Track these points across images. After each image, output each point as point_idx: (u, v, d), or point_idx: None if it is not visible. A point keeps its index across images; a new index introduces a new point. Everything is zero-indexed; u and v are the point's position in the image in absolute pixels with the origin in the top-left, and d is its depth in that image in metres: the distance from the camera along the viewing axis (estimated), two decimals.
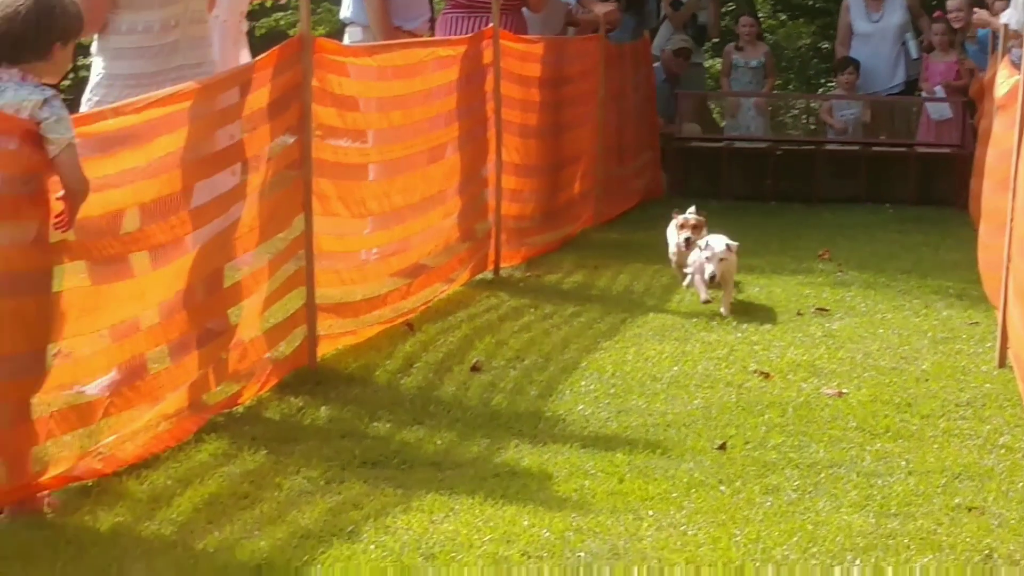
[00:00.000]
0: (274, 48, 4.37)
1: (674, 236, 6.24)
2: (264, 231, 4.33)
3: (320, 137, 4.58)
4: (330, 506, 3.27)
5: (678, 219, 6.20)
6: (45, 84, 3.12)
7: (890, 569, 2.86)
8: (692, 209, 6.38)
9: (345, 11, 6.64)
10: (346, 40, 6.35)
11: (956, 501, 3.34)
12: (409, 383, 4.63)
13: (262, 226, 4.30)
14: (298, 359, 4.51)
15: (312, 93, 4.40)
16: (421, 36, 6.62)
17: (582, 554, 3.00)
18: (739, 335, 5.42)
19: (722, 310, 5.74)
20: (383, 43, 5.82)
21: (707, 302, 5.74)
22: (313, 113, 4.43)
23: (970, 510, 3.28)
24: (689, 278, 6.11)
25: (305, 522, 3.16)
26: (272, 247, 4.56)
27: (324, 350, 4.68)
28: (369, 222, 5.45)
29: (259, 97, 4.18)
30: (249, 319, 4.29)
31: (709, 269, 5.62)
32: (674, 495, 3.45)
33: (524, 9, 7.52)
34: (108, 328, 3.53)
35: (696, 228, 6.01)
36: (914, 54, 10.60)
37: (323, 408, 4.27)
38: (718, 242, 5.74)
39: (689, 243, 5.92)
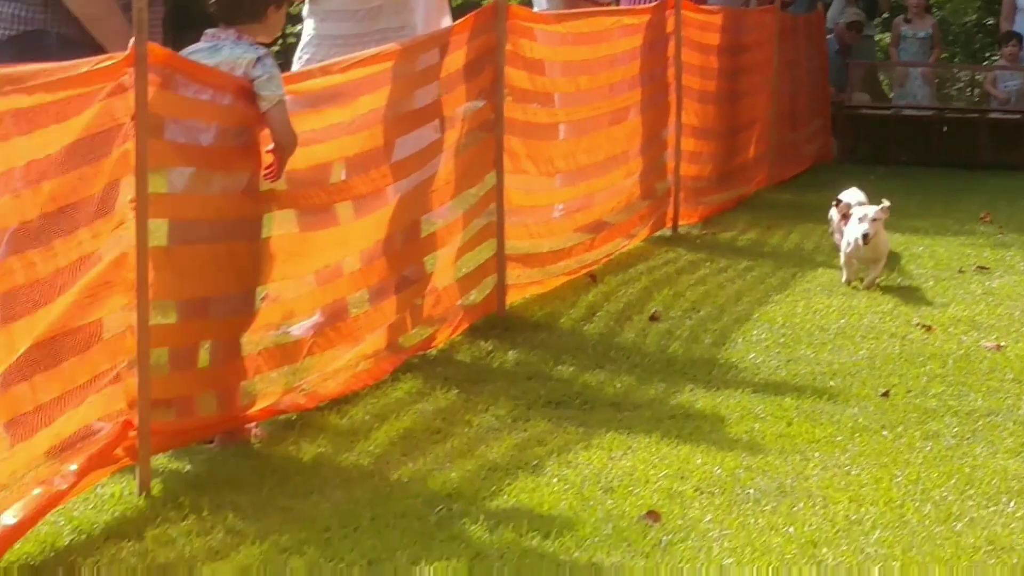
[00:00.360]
0: (471, 14, 4.19)
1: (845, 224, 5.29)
2: (458, 186, 4.17)
3: (512, 99, 4.37)
4: (516, 442, 3.23)
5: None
6: (259, 43, 2.97)
7: None
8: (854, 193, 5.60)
9: None
10: (535, 8, 6.10)
11: None
12: (591, 330, 4.53)
13: (456, 181, 4.14)
14: (488, 306, 4.38)
15: (505, 57, 4.18)
16: (605, 4, 6.34)
17: (751, 490, 2.95)
18: (903, 291, 5.24)
19: (863, 285, 5.07)
20: (572, 11, 5.54)
21: (849, 282, 5.07)
22: (505, 76, 4.20)
23: None
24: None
25: (492, 456, 3.13)
26: (465, 201, 4.40)
27: (512, 298, 4.55)
28: (556, 179, 5.24)
29: (456, 59, 4.00)
30: (443, 268, 4.14)
31: (861, 228, 4.86)
32: (839, 438, 3.41)
33: None
34: (313, 273, 3.41)
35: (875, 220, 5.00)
36: None
37: (511, 352, 4.19)
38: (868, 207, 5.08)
39: (867, 238, 4.90)
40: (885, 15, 12.13)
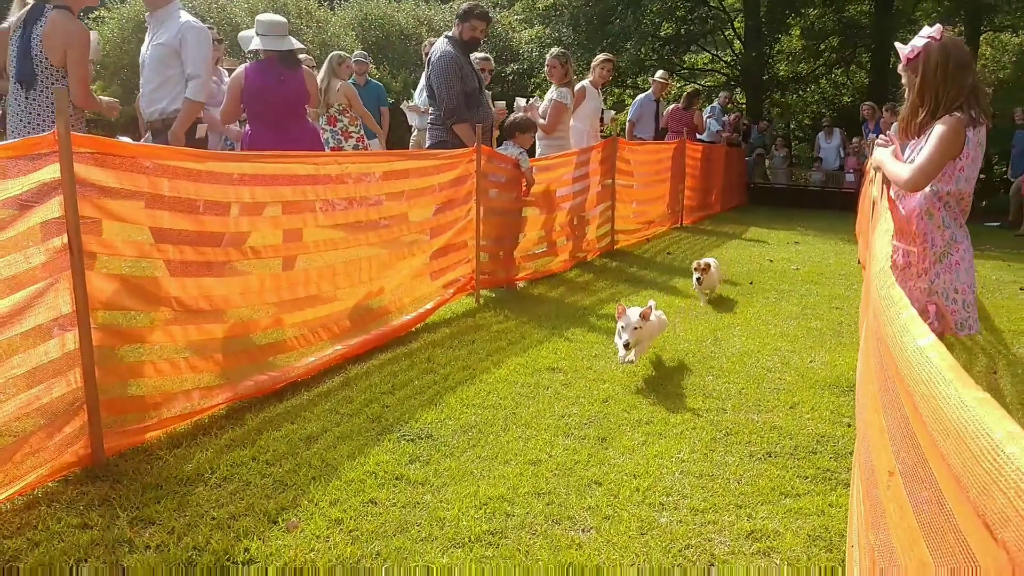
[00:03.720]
0: (601, 142, 8.50)
1: None
2: (600, 199, 8.51)
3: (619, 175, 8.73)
4: None
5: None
6: (518, 145, 7.49)
7: None
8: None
9: None
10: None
11: None
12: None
13: (599, 197, 8.50)
14: (607, 246, 8.54)
15: (617, 162, 8.47)
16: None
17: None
18: (763, 246, 8.36)
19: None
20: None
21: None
22: (617, 165, 8.56)
23: None
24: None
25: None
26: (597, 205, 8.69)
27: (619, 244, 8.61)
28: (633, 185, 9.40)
29: (597, 156, 8.40)
30: (591, 231, 8.45)
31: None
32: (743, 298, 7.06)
33: None
34: (541, 229, 7.85)
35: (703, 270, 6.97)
36: None
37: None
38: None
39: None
40: None
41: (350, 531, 3.11)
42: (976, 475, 1.09)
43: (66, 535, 3.01)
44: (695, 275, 6.88)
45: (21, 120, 4.80)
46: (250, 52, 6.16)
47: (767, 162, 18.76)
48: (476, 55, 8.44)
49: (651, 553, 3.00)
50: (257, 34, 6.04)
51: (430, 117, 7.42)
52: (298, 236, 5.27)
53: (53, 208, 3.33)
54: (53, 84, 4.63)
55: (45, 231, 3.36)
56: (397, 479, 3.53)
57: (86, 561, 2.84)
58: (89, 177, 3.48)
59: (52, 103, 4.52)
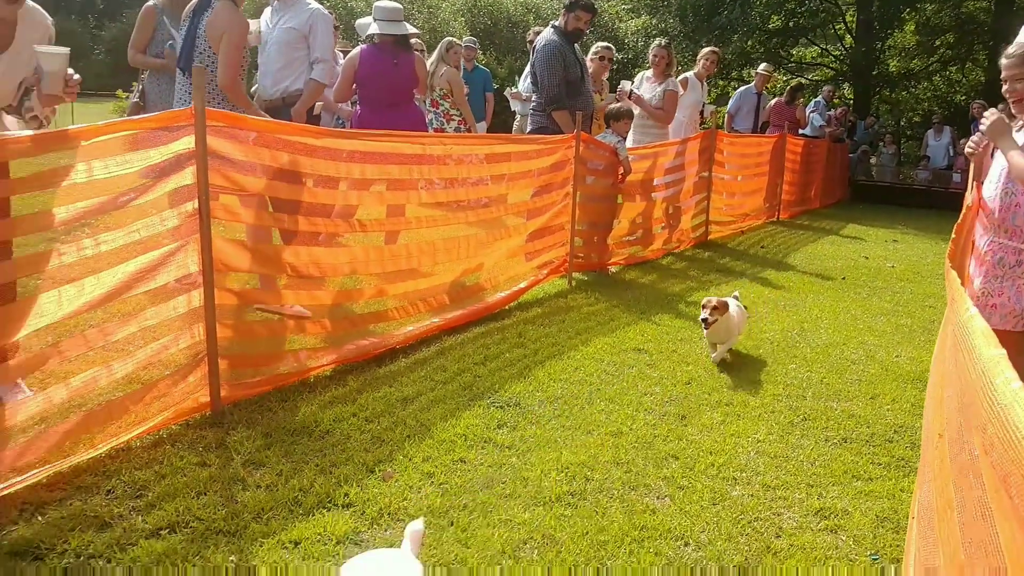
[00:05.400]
0: (700, 133, 8.59)
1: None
2: (696, 190, 8.59)
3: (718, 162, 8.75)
4: None
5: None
6: (616, 132, 7.61)
7: None
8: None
9: None
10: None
11: None
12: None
13: (695, 188, 8.55)
14: (700, 237, 8.60)
15: (713, 153, 8.49)
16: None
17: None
18: (859, 243, 8.18)
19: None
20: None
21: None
22: (715, 154, 8.58)
23: None
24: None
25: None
26: (696, 192, 8.73)
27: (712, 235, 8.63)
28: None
29: (693, 147, 8.45)
30: (685, 222, 8.52)
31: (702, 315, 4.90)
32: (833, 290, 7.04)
33: None
34: (637, 215, 7.97)
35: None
36: None
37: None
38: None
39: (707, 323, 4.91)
40: None
41: (440, 484, 3.34)
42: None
43: (187, 471, 3.32)
44: (702, 313, 4.95)
45: (183, 103, 5.12)
46: (366, 38, 6.44)
47: (872, 159, 18.36)
48: (598, 44, 8.61)
49: (721, 523, 3.14)
50: (374, 19, 6.33)
51: (532, 104, 7.61)
52: (401, 212, 5.54)
53: (186, 176, 3.64)
54: (209, 71, 4.91)
55: (178, 197, 3.67)
56: (485, 442, 3.75)
57: (205, 495, 3.14)
58: (219, 149, 3.78)
59: (208, 88, 4.81)
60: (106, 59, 32.63)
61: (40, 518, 2.93)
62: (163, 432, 3.62)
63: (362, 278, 5.09)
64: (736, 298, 5.22)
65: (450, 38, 10.02)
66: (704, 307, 4.95)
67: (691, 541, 3.01)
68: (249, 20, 5.19)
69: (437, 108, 9.64)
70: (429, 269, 5.41)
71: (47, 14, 3.68)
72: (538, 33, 9.73)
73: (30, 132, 3.34)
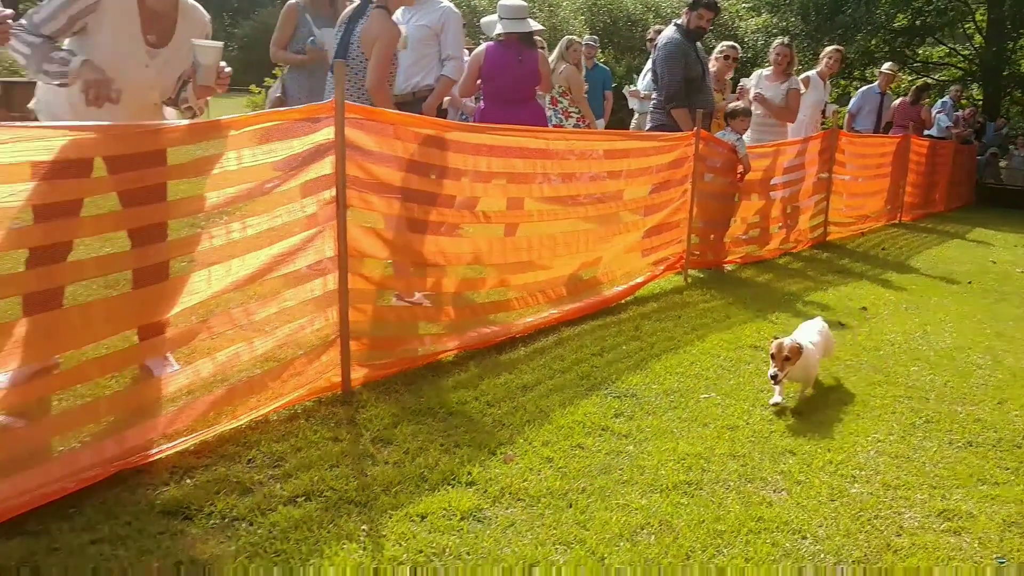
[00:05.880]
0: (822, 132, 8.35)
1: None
2: (816, 189, 8.40)
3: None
4: None
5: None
6: (735, 131, 7.51)
7: None
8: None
9: None
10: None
11: None
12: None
13: (815, 188, 8.35)
14: (818, 238, 8.35)
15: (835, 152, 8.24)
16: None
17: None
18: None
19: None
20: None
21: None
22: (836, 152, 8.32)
23: None
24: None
25: None
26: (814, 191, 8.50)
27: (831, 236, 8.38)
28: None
29: (814, 146, 8.22)
30: (803, 221, 8.31)
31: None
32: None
33: None
34: (754, 214, 7.83)
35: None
36: None
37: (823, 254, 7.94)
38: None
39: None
40: None
41: (559, 468, 3.39)
42: None
43: (321, 445, 3.47)
44: (771, 368, 4.08)
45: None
46: (493, 35, 6.53)
47: (1002, 162, 17.51)
48: (724, 43, 8.51)
49: (839, 519, 3.09)
50: (500, 18, 6.42)
51: (652, 102, 7.58)
52: (520, 205, 5.61)
53: (325, 166, 3.79)
54: (358, 75, 5.05)
55: (316, 185, 3.82)
56: (603, 430, 3.79)
57: (337, 467, 3.28)
58: (356, 140, 3.92)
59: (354, 92, 4.98)
60: (239, 55, 33.84)
61: (188, 481, 3.11)
62: (298, 407, 3.78)
63: (484, 268, 5.18)
64: (817, 326, 4.57)
65: (570, 36, 10.06)
66: (773, 359, 4.06)
67: (808, 535, 2.98)
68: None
69: (556, 105, 9.69)
70: (548, 261, 5.47)
71: (205, 11, 3.87)
72: (659, 31, 9.67)
73: (185, 121, 3.54)
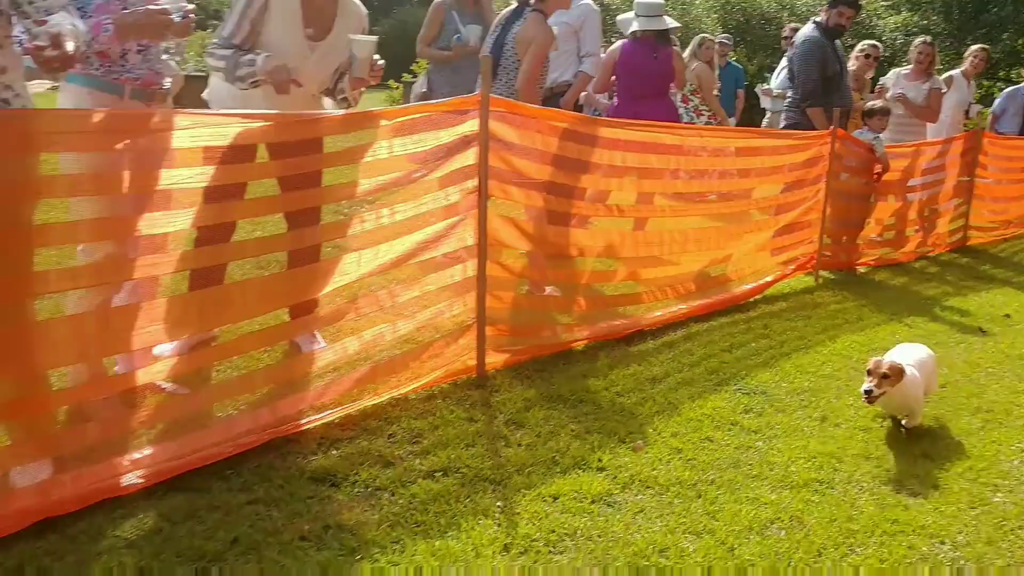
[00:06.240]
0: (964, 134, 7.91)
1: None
2: (957, 192, 8.05)
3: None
4: None
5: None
6: (872, 130, 7.26)
7: None
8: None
9: None
10: None
11: None
12: None
13: (957, 190, 7.95)
14: (957, 242, 7.96)
15: None
16: None
17: None
18: None
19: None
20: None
21: None
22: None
23: None
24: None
25: None
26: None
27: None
28: None
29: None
30: (942, 226, 7.96)
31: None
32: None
33: None
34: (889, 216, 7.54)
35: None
36: None
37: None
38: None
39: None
40: None
41: (688, 459, 3.40)
42: None
43: (457, 424, 3.57)
44: (866, 383, 3.64)
45: None
46: (629, 33, 6.53)
47: None
48: (865, 42, 8.24)
49: (980, 527, 2.99)
50: (636, 15, 6.41)
51: (787, 100, 7.42)
52: (650, 200, 5.60)
53: (469, 156, 3.89)
54: (510, 75, 5.16)
55: (460, 175, 3.93)
56: (732, 424, 3.76)
57: (473, 446, 3.37)
58: (499, 133, 4.01)
59: (504, 90, 5.09)
60: (378, 52, 34.60)
61: (334, 452, 3.26)
62: (435, 388, 3.90)
63: (614, 261, 5.20)
64: (919, 353, 4.04)
65: (703, 34, 9.93)
66: (870, 374, 3.65)
67: (947, 540, 2.89)
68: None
69: (687, 104, 9.59)
70: (676, 257, 5.44)
71: (362, 6, 4.02)
72: (795, 30, 9.45)
73: (341, 112, 3.70)
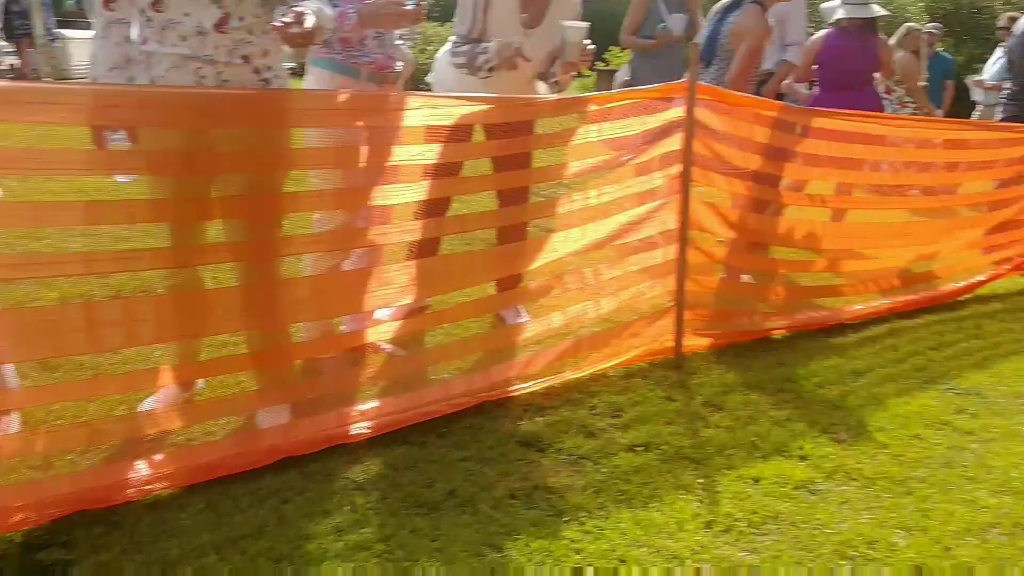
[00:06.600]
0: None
1: None
2: None
3: None
4: None
5: None
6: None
7: None
8: None
9: None
10: None
11: None
12: None
13: None
14: None
15: None
16: None
17: None
18: None
19: None
20: None
21: None
22: None
23: None
24: None
25: None
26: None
27: None
28: None
29: None
30: None
31: None
32: None
33: None
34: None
35: None
36: None
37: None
38: None
39: None
40: None
41: (895, 455, 3.27)
42: None
43: (655, 402, 3.60)
44: None
45: None
46: (833, 21, 6.30)
47: None
48: None
49: None
50: (842, 3, 6.17)
51: (1005, 92, 6.94)
52: (848, 191, 5.40)
53: (674, 142, 3.90)
54: (721, 65, 5.11)
55: (665, 160, 3.94)
56: (943, 424, 3.59)
57: (672, 424, 3.39)
58: (703, 119, 3.98)
59: (715, 81, 5.01)
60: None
61: (539, 419, 3.37)
62: (633, 367, 3.93)
63: (813, 252, 5.05)
64: None
65: (911, 24, 9.43)
66: None
67: None
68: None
69: (891, 95, 9.14)
70: (876, 251, 5.22)
71: None
72: (1012, 19, 8.81)
73: (553, 97, 3.79)
